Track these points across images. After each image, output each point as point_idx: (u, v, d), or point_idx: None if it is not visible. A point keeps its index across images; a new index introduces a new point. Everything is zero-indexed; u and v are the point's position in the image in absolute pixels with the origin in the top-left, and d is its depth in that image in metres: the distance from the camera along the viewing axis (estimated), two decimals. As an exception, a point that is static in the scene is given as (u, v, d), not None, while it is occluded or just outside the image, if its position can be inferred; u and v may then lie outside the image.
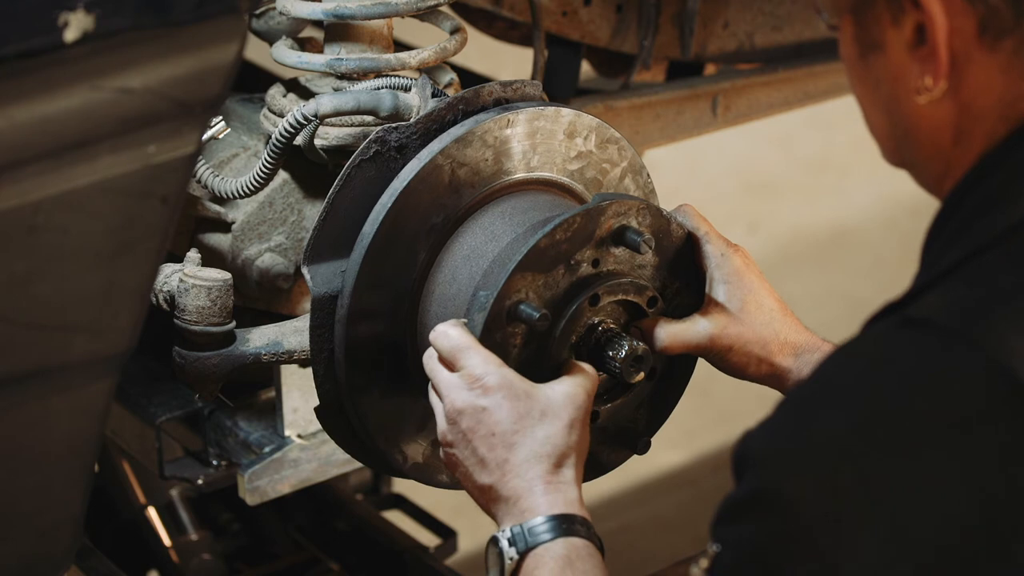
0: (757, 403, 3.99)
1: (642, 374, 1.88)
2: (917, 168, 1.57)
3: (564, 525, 1.70)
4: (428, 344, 1.85)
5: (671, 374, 2.00)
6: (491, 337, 1.82)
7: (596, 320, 1.89)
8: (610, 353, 1.87)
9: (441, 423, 1.80)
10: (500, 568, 1.71)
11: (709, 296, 1.95)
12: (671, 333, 1.92)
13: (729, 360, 1.94)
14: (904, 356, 1.41)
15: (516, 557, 1.70)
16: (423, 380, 1.86)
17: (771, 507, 1.40)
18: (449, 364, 1.80)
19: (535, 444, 1.74)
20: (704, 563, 1.47)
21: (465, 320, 1.84)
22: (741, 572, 1.43)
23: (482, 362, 1.77)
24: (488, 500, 1.76)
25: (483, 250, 1.92)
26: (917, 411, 1.38)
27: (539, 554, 1.69)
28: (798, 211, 5.16)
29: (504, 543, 1.71)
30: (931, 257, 1.51)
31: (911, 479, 1.37)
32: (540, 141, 1.98)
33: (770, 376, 1.95)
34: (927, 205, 1.58)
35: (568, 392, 1.79)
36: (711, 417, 4.12)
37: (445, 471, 2.00)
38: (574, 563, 1.68)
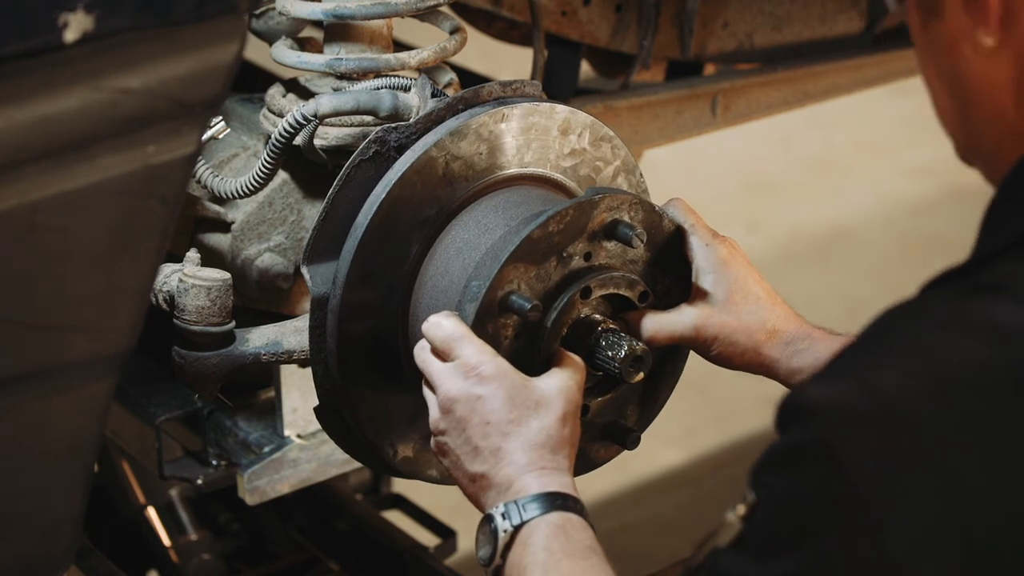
0: (756, 403, 4.00)
1: (642, 374, 1.89)
2: (983, 149, 1.53)
3: (558, 501, 1.70)
4: (420, 336, 1.86)
5: (662, 369, 2.00)
6: (483, 328, 1.83)
7: (592, 316, 1.89)
8: (609, 353, 1.87)
9: (434, 412, 1.80)
10: (493, 545, 1.70)
11: (695, 286, 1.95)
12: (656, 324, 1.92)
13: (716, 350, 1.94)
14: (978, 323, 1.37)
15: (510, 529, 1.69)
16: (415, 372, 1.86)
17: (820, 461, 1.36)
18: (442, 355, 1.80)
19: (530, 434, 1.74)
20: (741, 510, 1.44)
21: (457, 312, 1.84)
22: (780, 523, 1.40)
23: (477, 352, 1.78)
24: (479, 488, 1.76)
25: (476, 243, 1.93)
26: (993, 383, 1.35)
27: (533, 525, 1.69)
28: (798, 211, 5.17)
29: (498, 518, 1.70)
30: (995, 225, 1.47)
31: (978, 457, 1.34)
32: (534, 137, 1.98)
33: (758, 365, 1.94)
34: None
35: (561, 385, 1.79)
36: (710, 416, 4.12)
37: (435, 464, 2.00)
38: (569, 532, 1.68)
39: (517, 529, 1.69)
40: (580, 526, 1.69)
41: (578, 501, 1.72)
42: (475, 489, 1.77)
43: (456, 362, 1.78)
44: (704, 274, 1.94)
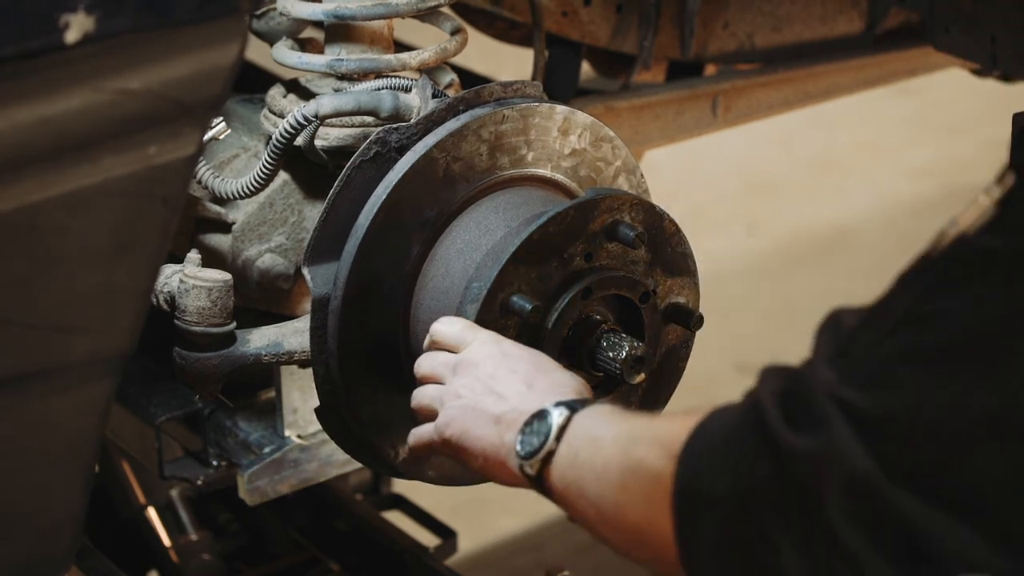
0: (757, 403, 3.98)
1: (643, 375, 1.89)
2: None
3: (589, 402, 1.66)
4: (421, 337, 1.86)
5: (663, 370, 2.00)
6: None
7: (593, 317, 1.89)
8: (610, 354, 1.87)
9: (448, 376, 1.76)
10: (546, 433, 1.61)
11: None
12: None
13: None
14: None
15: (567, 413, 1.62)
16: (414, 377, 1.86)
17: None
18: (459, 346, 1.79)
19: (555, 384, 1.70)
20: (996, 192, 1.33)
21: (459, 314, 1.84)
22: None
23: (495, 333, 1.78)
24: (504, 428, 1.68)
25: (477, 244, 1.93)
26: None
27: (588, 410, 1.62)
28: (798, 211, 5.16)
29: (551, 407, 1.63)
30: None
31: None
32: (535, 137, 1.98)
33: None
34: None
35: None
36: (711, 417, 4.11)
37: (431, 467, 2.00)
38: (623, 412, 1.62)
39: (572, 413, 1.62)
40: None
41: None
42: (499, 432, 1.68)
43: (480, 337, 1.77)
44: None
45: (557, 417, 1.62)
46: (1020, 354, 1.29)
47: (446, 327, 1.81)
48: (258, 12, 2.30)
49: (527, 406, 1.67)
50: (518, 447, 1.65)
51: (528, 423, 1.65)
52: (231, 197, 2.14)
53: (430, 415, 1.79)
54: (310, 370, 2.03)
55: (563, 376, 1.73)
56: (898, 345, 1.33)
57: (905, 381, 1.31)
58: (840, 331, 1.39)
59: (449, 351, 1.80)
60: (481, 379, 1.73)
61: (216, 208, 2.20)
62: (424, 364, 1.82)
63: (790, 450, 1.32)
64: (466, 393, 1.74)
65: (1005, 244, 1.31)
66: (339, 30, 2.18)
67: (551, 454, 1.62)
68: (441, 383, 1.79)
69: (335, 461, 2.36)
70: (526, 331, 1.86)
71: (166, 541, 2.79)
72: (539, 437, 1.63)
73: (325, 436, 2.25)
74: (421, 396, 1.81)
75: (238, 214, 2.20)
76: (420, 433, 1.80)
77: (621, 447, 1.54)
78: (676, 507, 1.42)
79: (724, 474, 1.37)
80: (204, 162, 2.17)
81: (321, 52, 2.21)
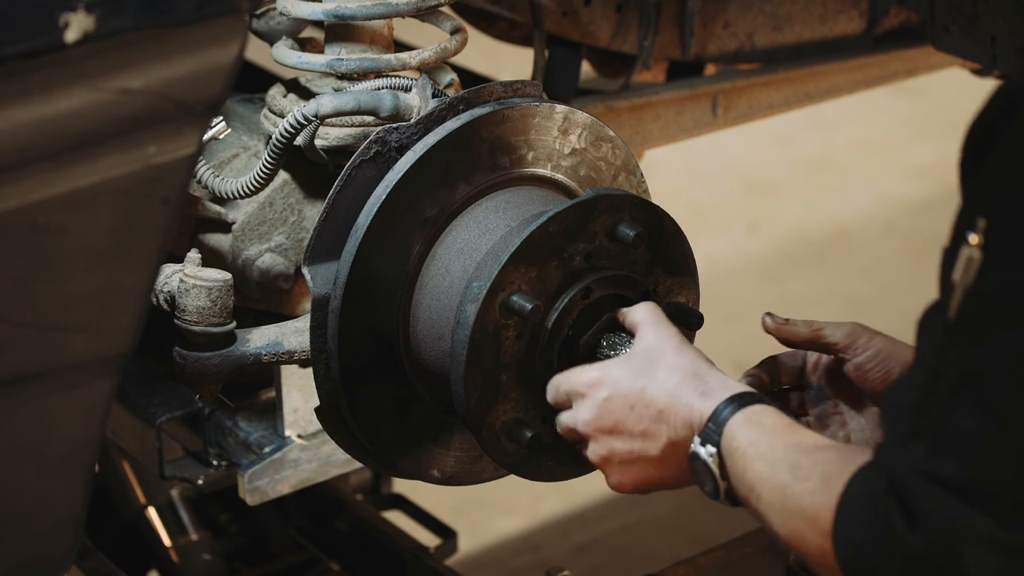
0: (757, 403, 3.98)
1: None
2: None
3: (734, 403, 1.71)
4: (421, 336, 1.87)
5: None
6: (484, 328, 1.83)
7: (594, 316, 1.89)
8: (611, 354, 1.87)
9: (593, 450, 1.81)
10: (710, 473, 1.71)
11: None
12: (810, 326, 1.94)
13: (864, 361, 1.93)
14: None
15: (714, 450, 1.70)
16: (416, 374, 1.86)
17: None
18: (565, 404, 1.83)
19: (668, 382, 1.75)
20: (975, 239, 1.41)
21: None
22: None
23: (576, 375, 1.81)
24: (673, 455, 1.76)
25: (477, 243, 1.93)
26: None
27: (728, 434, 1.69)
28: (798, 211, 5.16)
29: (700, 450, 1.71)
30: None
31: None
32: (535, 137, 1.98)
33: None
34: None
35: (650, 328, 1.81)
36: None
37: (433, 466, 2.02)
38: (761, 420, 1.68)
39: (718, 447, 1.69)
40: (769, 410, 1.70)
41: (750, 392, 1.73)
42: (673, 459, 1.76)
43: (576, 401, 1.81)
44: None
45: (710, 458, 1.71)
46: None
47: (552, 393, 1.85)
48: (258, 12, 2.30)
49: (677, 431, 1.75)
50: (705, 490, 1.74)
51: (692, 465, 1.73)
52: (231, 197, 2.14)
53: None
54: (310, 370, 2.02)
55: (663, 373, 1.77)
56: (963, 407, 1.42)
57: (983, 436, 1.41)
58: (901, 412, 1.48)
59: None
60: (612, 434, 1.78)
61: (216, 208, 2.20)
62: (562, 425, 1.86)
63: (920, 551, 1.45)
64: (615, 449, 1.79)
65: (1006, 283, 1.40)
66: (339, 30, 2.17)
67: (728, 487, 1.71)
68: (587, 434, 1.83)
69: (335, 461, 2.36)
70: (526, 330, 1.86)
71: (166, 541, 2.79)
72: (709, 481, 1.72)
73: (325, 436, 2.26)
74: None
75: (238, 214, 2.20)
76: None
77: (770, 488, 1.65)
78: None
79: (879, 563, 1.49)
80: (204, 162, 2.17)
81: (321, 52, 2.21)
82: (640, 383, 1.76)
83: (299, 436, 2.34)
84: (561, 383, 1.83)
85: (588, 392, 1.79)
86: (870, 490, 1.50)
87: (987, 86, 3.19)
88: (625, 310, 1.87)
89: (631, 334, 1.88)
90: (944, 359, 1.44)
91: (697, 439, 1.71)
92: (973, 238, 1.41)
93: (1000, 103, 1.43)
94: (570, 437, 1.84)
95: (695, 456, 1.71)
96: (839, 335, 1.92)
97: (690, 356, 1.77)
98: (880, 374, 1.91)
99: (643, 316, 1.83)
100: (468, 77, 2.63)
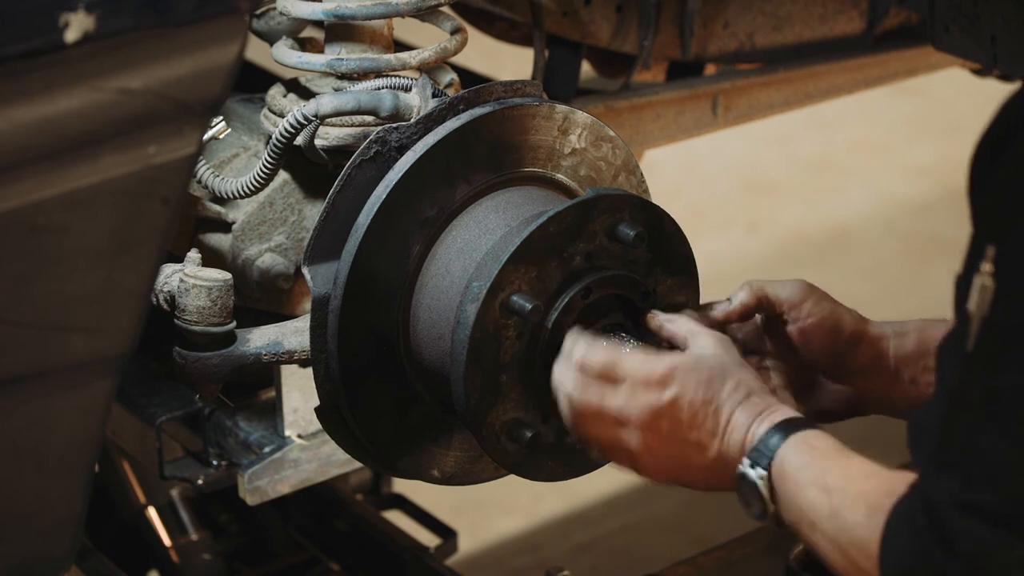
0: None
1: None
2: None
3: (790, 427, 1.71)
4: (421, 336, 1.87)
5: None
6: (484, 328, 1.83)
7: (594, 316, 1.89)
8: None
9: (632, 440, 1.78)
10: (759, 495, 1.70)
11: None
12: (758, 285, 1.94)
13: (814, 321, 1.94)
14: None
15: (764, 473, 1.69)
16: (417, 373, 1.85)
17: None
18: (606, 380, 1.78)
19: (732, 400, 1.74)
20: (987, 267, 1.43)
21: (582, 331, 1.82)
22: None
23: (641, 362, 1.77)
24: (717, 467, 1.75)
25: (477, 243, 1.93)
26: None
27: (781, 456, 1.69)
28: (798, 211, 5.16)
29: (749, 471, 1.70)
30: None
31: None
32: (534, 137, 1.98)
33: (863, 339, 1.94)
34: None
35: (709, 343, 1.80)
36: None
37: (433, 466, 2.00)
38: (813, 444, 1.69)
39: (769, 469, 1.69)
40: (819, 436, 1.70)
41: (805, 419, 1.73)
42: (715, 470, 1.76)
43: (627, 382, 1.77)
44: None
45: (760, 481, 1.71)
46: None
47: (594, 354, 1.80)
48: (258, 12, 2.30)
49: (730, 447, 1.74)
50: (752, 512, 1.73)
51: (739, 486, 1.73)
52: (231, 196, 2.14)
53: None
54: (310, 370, 2.02)
55: (729, 388, 1.76)
56: (990, 435, 1.45)
57: (1011, 462, 1.45)
58: (929, 439, 1.52)
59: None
60: (669, 432, 1.76)
61: (216, 207, 2.20)
62: (579, 397, 1.81)
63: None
64: (655, 449, 1.77)
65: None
66: (339, 29, 2.18)
67: (776, 512, 1.72)
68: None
69: (335, 461, 2.36)
70: (526, 330, 1.86)
71: (166, 541, 2.79)
72: (757, 503, 1.71)
73: (325, 436, 2.25)
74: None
75: (238, 213, 2.20)
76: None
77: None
78: None
79: None
80: (204, 161, 2.17)
81: (321, 52, 2.21)
82: (709, 394, 1.74)
83: (299, 436, 2.34)
84: (620, 361, 1.77)
85: (651, 385, 1.75)
86: (911, 520, 1.52)
87: (987, 86, 3.19)
88: (663, 317, 1.86)
89: (633, 335, 1.88)
90: (965, 387, 1.46)
91: (747, 460, 1.71)
92: (985, 266, 1.43)
93: (1007, 120, 1.44)
94: (597, 416, 1.79)
95: (743, 477, 1.71)
96: (784, 295, 1.92)
97: (750, 374, 1.77)
98: (826, 343, 1.92)
99: (692, 325, 1.83)
100: (468, 77, 2.63)
